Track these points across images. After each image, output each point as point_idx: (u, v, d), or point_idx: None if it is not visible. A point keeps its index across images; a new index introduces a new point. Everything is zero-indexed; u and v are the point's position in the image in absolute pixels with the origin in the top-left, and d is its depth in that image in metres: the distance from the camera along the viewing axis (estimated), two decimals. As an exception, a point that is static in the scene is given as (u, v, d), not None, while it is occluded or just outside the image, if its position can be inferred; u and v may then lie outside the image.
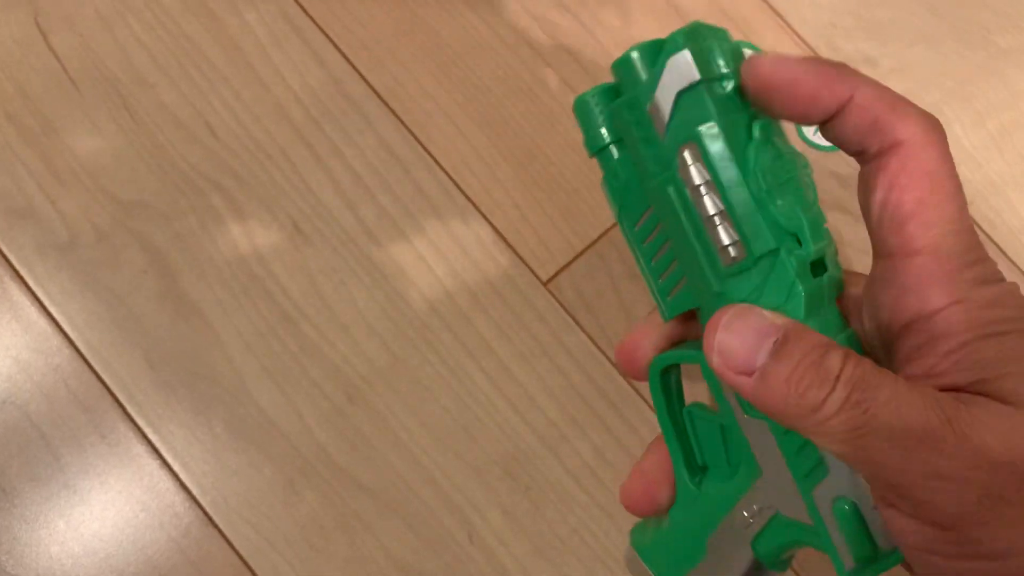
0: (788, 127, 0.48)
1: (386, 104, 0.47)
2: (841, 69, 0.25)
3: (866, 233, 0.26)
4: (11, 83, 0.46)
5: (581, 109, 0.28)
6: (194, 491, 0.42)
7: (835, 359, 0.22)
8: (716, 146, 0.25)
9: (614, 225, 0.46)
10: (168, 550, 0.42)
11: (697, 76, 0.25)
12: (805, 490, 0.27)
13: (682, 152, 0.25)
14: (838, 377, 0.22)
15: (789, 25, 0.48)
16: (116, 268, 0.44)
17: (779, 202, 0.25)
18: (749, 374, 0.23)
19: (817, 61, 0.25)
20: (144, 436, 0.43)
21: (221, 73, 0.46)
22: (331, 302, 0.44)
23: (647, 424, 0.44)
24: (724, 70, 0.26)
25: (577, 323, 0.45)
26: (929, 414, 0.22)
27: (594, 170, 0.48)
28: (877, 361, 0.24)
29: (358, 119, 0.46)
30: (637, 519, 0.34)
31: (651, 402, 0.44)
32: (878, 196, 0.24)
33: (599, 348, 0.45)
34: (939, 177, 0.24)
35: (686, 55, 0.25)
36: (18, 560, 0.41)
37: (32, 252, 0.44)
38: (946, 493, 0.21)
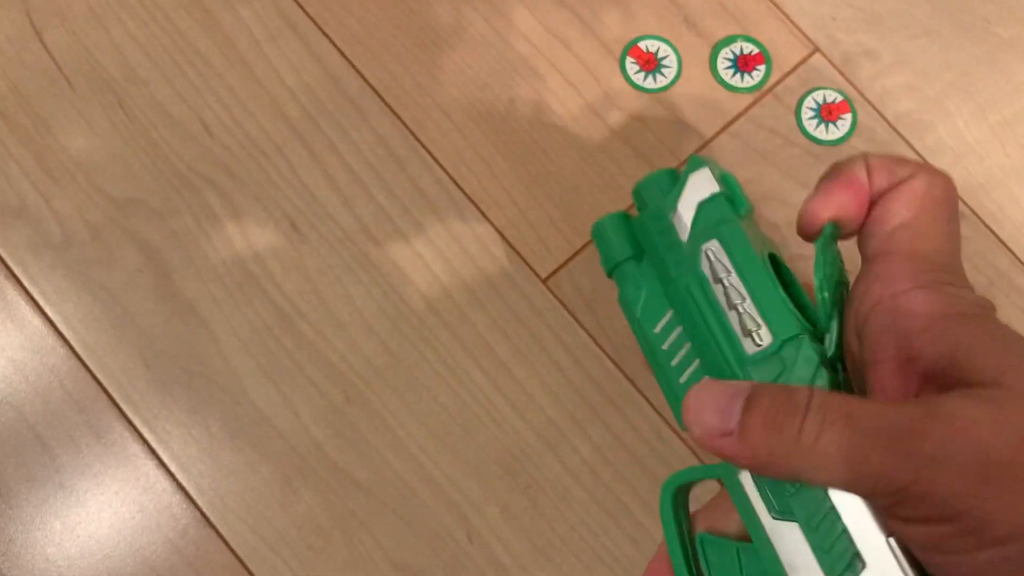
0: (790, 120, 0.48)
1: (383, 100, 0.46)
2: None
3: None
4: (4, 81, 0.45)
5: (599, 232, 0.32)
6: (191, 491, 0.42)
7: (801, 393, 0.23)
8: (736, 240, 0.28)
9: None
10: (165, 551, 0.42)
11: (717, 188, 0.29)
12: None
13: (705, 250, 0.28)
14: (808, 405, 0.23)
15: (789, 17, 0.48)
16: (111, 267, 0.44)
17: (799, 288, 0.28)
18: (729, 434, 0.24)
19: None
20: (140, 436, 0.42)
21: (216, 70, 0.46)
22: (328, 300, 0.44)
23: (647, 422, 0.44)
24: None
25: (576, 320, 0.44)
26: (910, 409, 0.22)
27: (593, 168, 0.48)
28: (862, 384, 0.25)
29: (355, 115, 0.46)
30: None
31: (651, 399, 0.44)
32: (875, 211, 0.26)
33: (598, 345, 0.44)
34: (934, 205, 0.25)
35: (707, 172, 0.29)
36: (14, 562, 0.41)
37: (26, 251, 0.44)
38: (943, 480, 0.21)
